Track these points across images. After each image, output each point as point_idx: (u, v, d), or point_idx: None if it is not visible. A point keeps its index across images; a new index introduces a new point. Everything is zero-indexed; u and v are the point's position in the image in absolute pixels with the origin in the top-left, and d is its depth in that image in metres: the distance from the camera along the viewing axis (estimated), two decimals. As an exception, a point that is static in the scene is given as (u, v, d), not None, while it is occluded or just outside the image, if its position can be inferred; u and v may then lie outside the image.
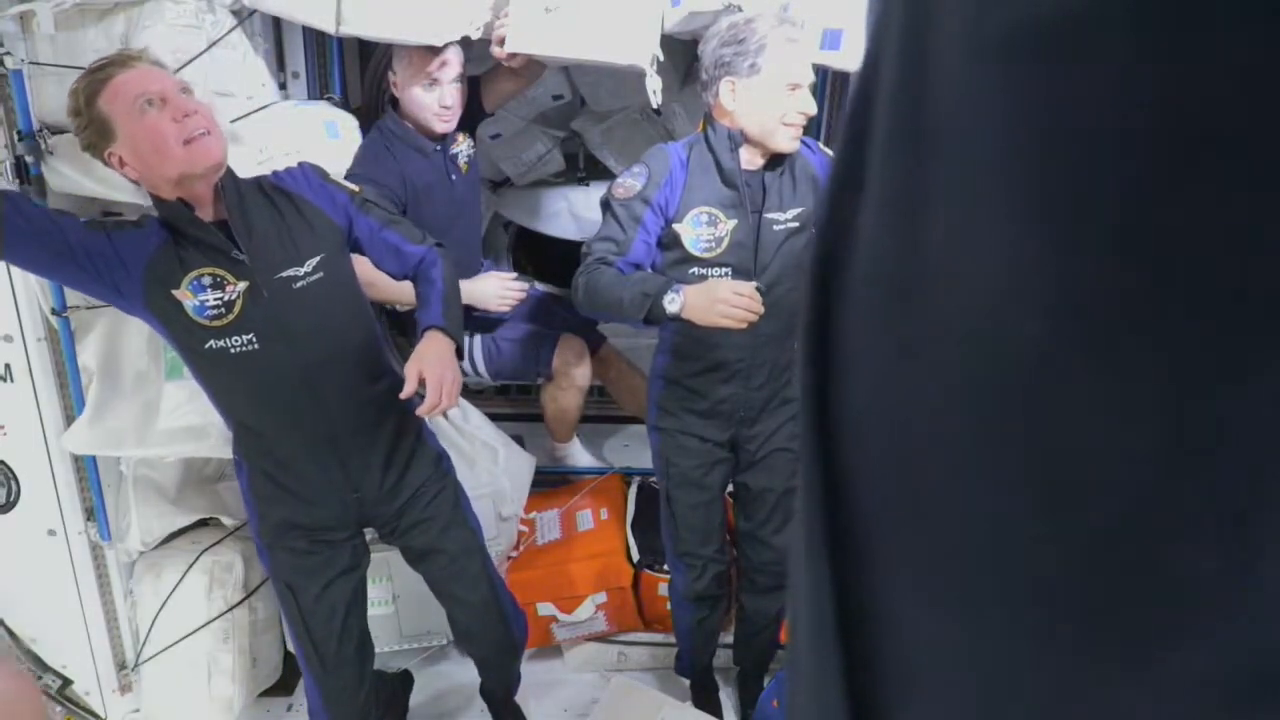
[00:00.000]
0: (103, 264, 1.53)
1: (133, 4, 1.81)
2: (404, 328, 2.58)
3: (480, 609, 1.96)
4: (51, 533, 2.08)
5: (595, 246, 1.82)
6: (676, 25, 1.99)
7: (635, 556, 2.41)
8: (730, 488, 2.15)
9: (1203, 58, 0.18)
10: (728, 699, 2.36)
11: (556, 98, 2.99)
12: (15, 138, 1.81)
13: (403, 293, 1.96)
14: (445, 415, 2.32)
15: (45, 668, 2.23)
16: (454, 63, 2.17)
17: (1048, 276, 0.22)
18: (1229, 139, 0.19)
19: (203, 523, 2.29)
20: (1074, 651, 0.23)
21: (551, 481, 2.77)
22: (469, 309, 2.40)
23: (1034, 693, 0.25)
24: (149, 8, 1.81)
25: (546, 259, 3.24)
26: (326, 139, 2.18)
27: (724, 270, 1.83)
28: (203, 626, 2.16)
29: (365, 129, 2.33)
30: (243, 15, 2.03)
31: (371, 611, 2.22)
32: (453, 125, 2.25)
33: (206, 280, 1.58)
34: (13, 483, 2.05)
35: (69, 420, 2.01)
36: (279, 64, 2.40)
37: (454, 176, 2.33)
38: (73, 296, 1.92)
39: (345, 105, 2.49)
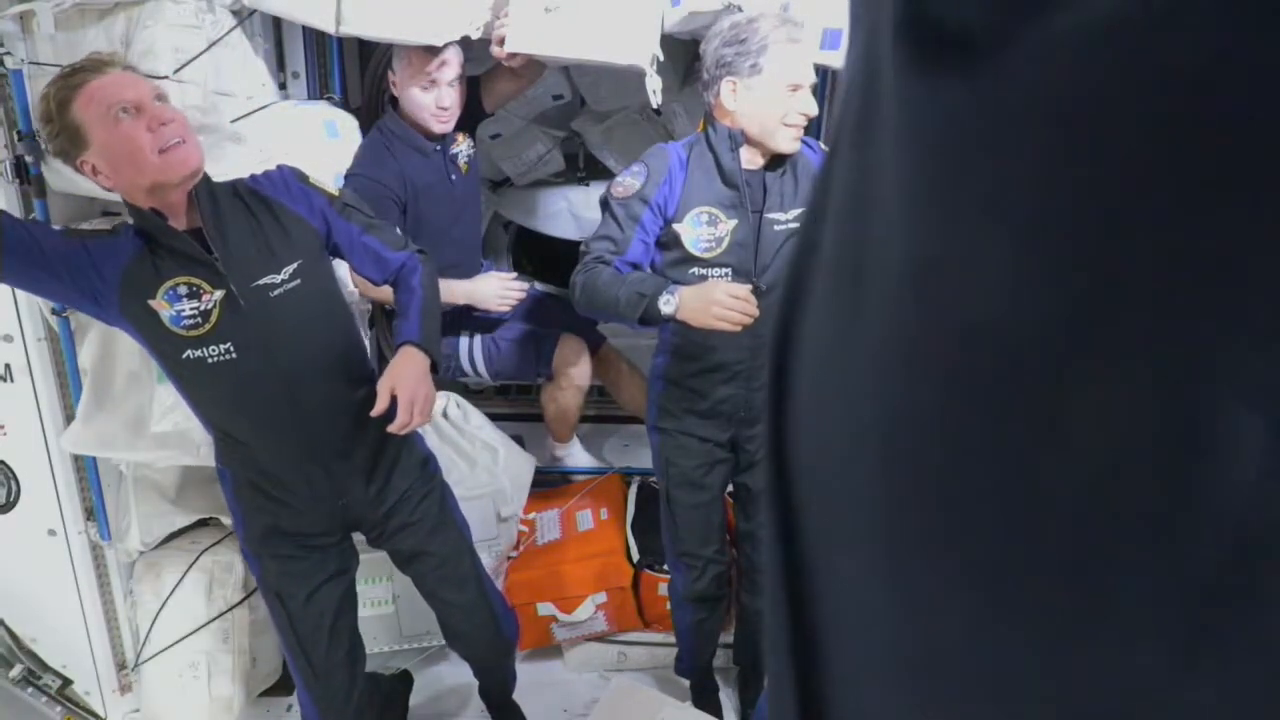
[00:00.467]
0: (80, 274, 1.50)
1: (133, 4, 1.81)
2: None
3: (470, 610, 1.95)
4: (51, 533, 2.08)
5: (593, 246, 1.81)
6: (676, 25, 1.99)
7: (635, 556, 2.41)
8: (730, 488, 2.15)
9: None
10: (728, 699, 2.36)
11: (556, 98, 2.99)
12: (15, 138, 1.81)
13: None
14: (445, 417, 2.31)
15: (45, 668, 2.23)
16: (453, 63, 2.17)
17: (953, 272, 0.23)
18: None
19: (202, 523, 2.29)
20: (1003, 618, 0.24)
21: (551, 481, 2.77)
22: (469, 309, 2.40)
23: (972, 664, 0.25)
24: (149, 8, 1.81)
25: (546, 259, 3.24)
26: (326, 139, 2.18)
27: (724, 270, 1.83)
28: (203, 626, 2.16)
29: (365, 129, 2.33)
30: (243, 15, 2.03)
31: (371, 611, 2.22)
32: (450, 126, 2.25)
33: (182, 289, 1.55)
34: (13, 483, 2.05)
35: (69, 420, 2.01)
36: (279, 64, 2.40)
37: (454, 176, 2.33)
38: (73, 296, 1.92)
39: (345, 105, 2.49)
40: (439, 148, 2.28)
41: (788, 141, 1.77)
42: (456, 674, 2.38)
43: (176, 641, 2.15)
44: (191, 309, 1.55)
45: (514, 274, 2.56)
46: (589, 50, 1.94)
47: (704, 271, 1.83)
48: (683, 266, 1.84)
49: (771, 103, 1.74)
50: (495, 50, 2.04)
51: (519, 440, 2.60)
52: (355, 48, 2.74)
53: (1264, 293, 0.19)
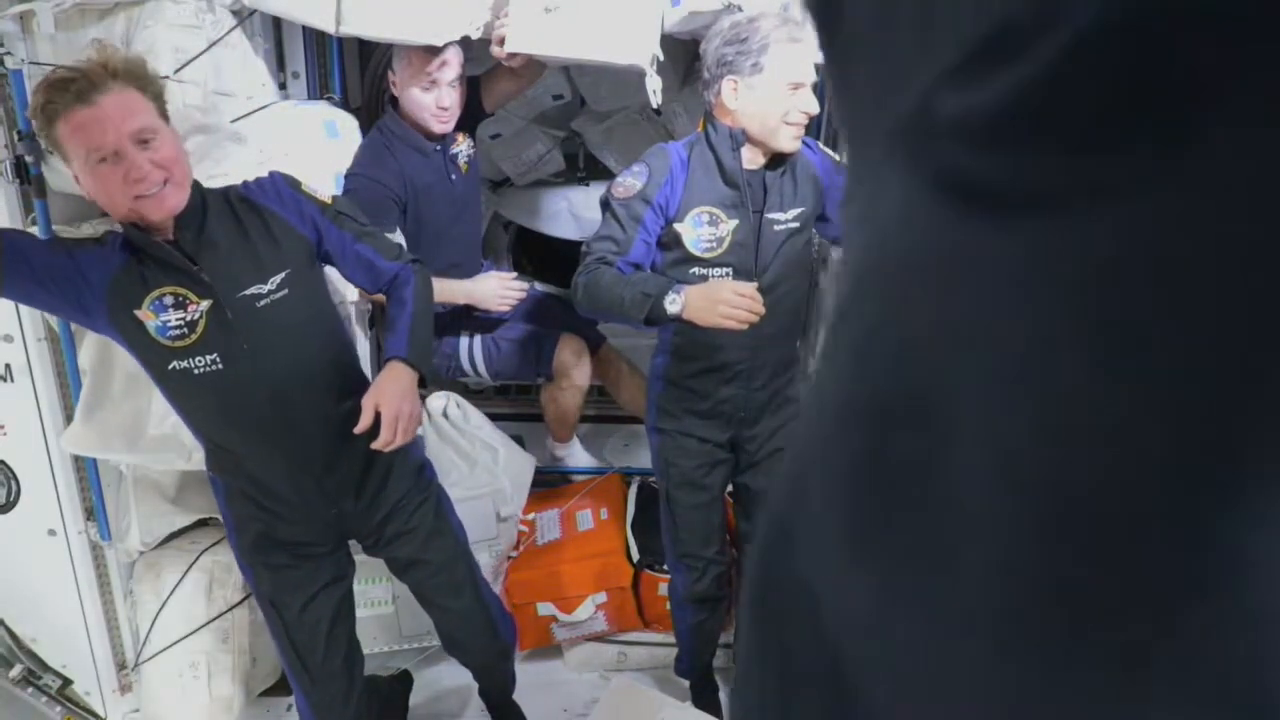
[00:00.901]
0: (67, 285, 1.49)
1: (133, 4, 1.81)
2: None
3: (466, 616, 1.94)
4: (51, 533, 2.08)
5: (595, 246, 1.81)
6: (676, 25, 1.99)
7: (635, 556, 2.41)
8: (730, 488, 2.15)
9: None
10: (727, 699, 2.36)
11: (556, 98, 2.99)
12: (15, 138, 1.80)
13: None
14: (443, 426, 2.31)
15: (45, 668, 2.23)
16: (453, 63, 2.16)
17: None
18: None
19: (203, 523, 2.28)
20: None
21: (551, 481, 2.76)
22: (469, 309, 2.40)
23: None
24: (149, 8, 1.81)
25: (546, 259, 3.24)
26: (326, 139, 2.18)
27: (725, 270, 1.83)
28: (203, 626, 2.15)
29: (365, 129, 2.33)
30: (243, 15, 2.03)
31: (371, 611, 2.21)
32: (450, 126, 2.24)
33: (168, 299, 1.53)
34: (13, 483, 2.05)
35: (69, 420, 2.00)
36: (279, 64, 2.40)
37: (454, 176, 2.33)
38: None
39: (345, 105, 2.49)
40: (439, 148, 2.28)
41: (789, 140, 1.77)
42: (456, 674, 2.37)
43: (176, 641, 2.15)
44: (177, 319, 1.53)
45: (514, 274, 2.55)
46: (589, 50, 1.94)
47: (704, 271, 1.83)
48: (683, 266, 1.84)
49: (773, 101, 1.74)
50: (495, 50, 2.04)
51: (519, 440, 2.60)
52: (355, 48, 2.74)
53: None
